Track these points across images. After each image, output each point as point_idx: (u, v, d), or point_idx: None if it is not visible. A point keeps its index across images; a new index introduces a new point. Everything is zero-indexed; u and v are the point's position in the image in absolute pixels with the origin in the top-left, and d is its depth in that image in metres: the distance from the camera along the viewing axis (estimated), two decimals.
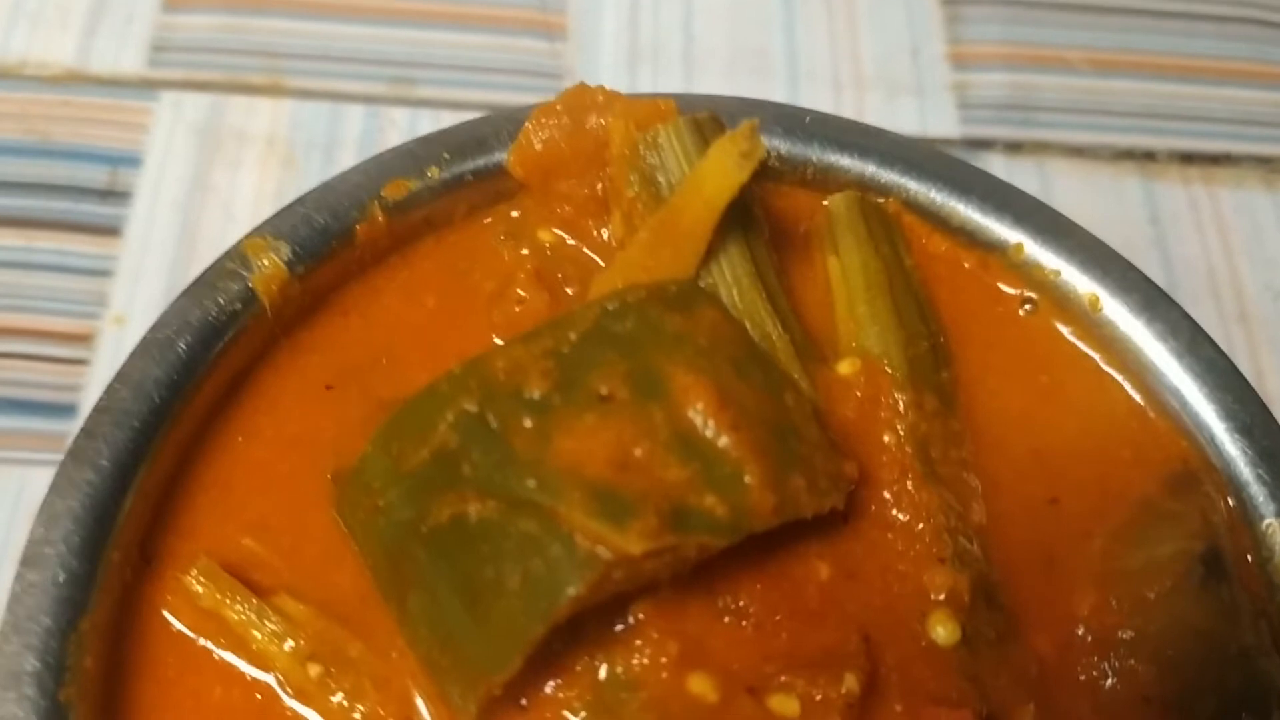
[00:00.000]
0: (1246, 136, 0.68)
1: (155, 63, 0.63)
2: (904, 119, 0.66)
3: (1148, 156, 0.67)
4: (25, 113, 0.61)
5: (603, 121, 0.42)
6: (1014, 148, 0.66)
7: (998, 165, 0.66)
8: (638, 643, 0.36)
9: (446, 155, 0.43)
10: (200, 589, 0.36)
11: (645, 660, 0.35)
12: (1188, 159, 0.67)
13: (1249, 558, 0.39)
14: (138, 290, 0.57)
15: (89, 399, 0.53)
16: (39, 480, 0.50)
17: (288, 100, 0.62)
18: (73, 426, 0.52)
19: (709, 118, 0.41)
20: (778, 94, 0.66)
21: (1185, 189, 0.66)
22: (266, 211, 0.42)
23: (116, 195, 0.59)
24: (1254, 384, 0.61)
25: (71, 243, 0.57)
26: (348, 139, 0.62)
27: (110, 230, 0.58)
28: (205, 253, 0.47)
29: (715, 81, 0.66)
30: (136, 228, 0.58)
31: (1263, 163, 0.67)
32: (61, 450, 0.45)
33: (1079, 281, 0.43)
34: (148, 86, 0.62)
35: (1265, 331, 0.62)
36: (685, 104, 0.43)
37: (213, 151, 0.60)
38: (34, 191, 0.59)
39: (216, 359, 0.39)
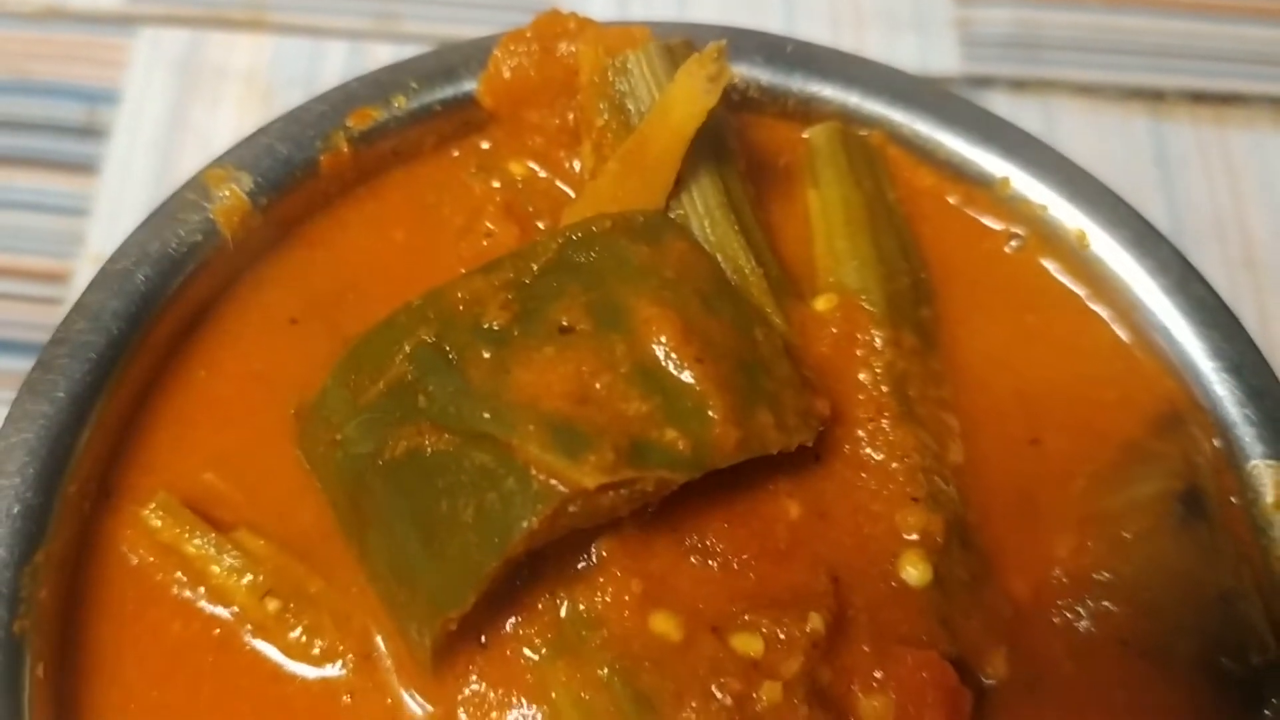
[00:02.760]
0: (1260, 76, 0.65)
1: None
2: (904, 56, 0.64)
3: (1157, 96, 0.64)
4: (2, 50, 0.60)
5: (573, 49, 0.41)
6: (1018, 86, 0.64)
7: (1001, 103, 0.64)
8: (600, 580, 0.35)
9: (414, 84, 0.42)
10: (159, 523, 0.36)
11: (608, 598, 0.35)
12: (1198, 99, 0.64)
13: (1234, 500, 0.38)
14: (115, 229, 0.56)
15: None
16: None
17: (268, 36, 0.61)
18: None
19: (682, 43, 0.40)
20: (773, 30, 0.64)
21: (1194, 130, 0.64)
22: None
23: (94, 133, 0.58)
24: (1259, 330, 0.59)
25: (49, 181, 0.57)
26: (329, 76, 0.60)
27: (88, 168, 0.57)
28: None
29: (708, 16, 0.64)
30: (114, 166, 0.57)
31: (1275, 103, 0.65)
32: None
33: (1067, 216, 0.42)
34: (126, 22, 0.61)
35: (1273, 276, 0.60)
36: (662, 32, 0.42)
37: (192, 88, 0.59)
38: (11, 129, 0.58)
39: (177, 291, 0.39)
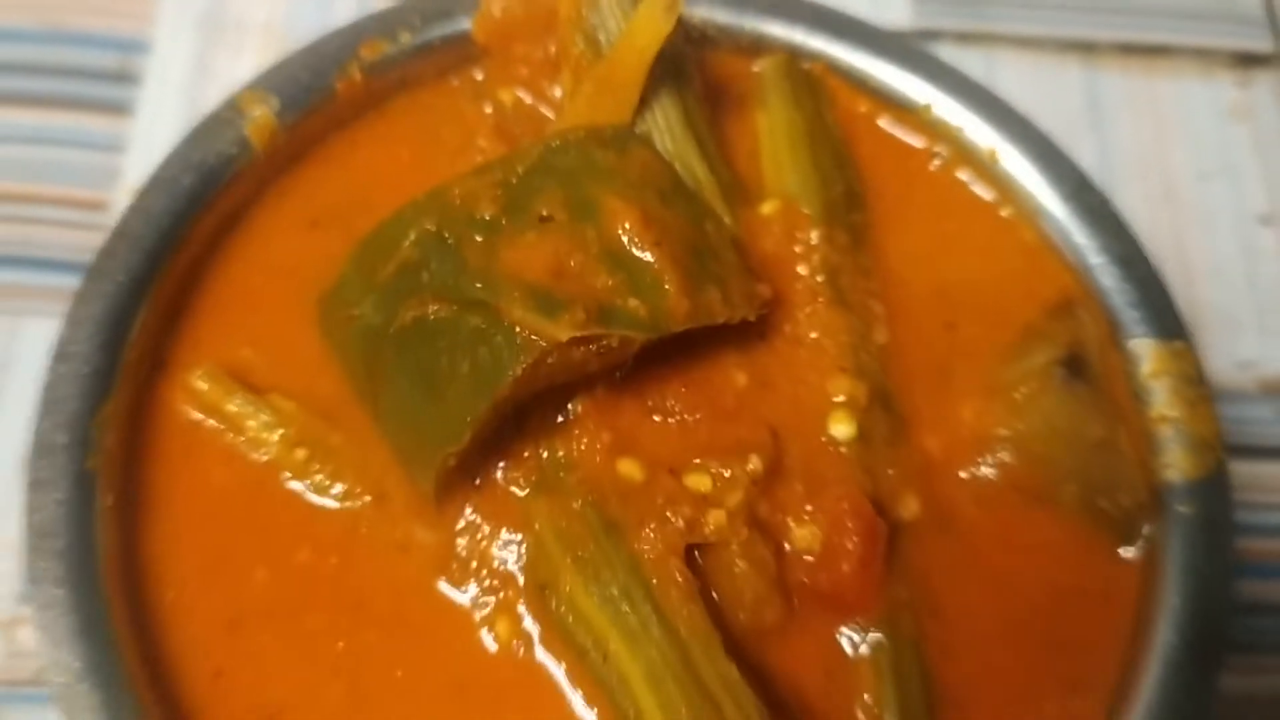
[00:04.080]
0: (1185, 30, 0.71)
1: None
2: (859, 11, 0.70)
3: (1090, 47, 0.71)
4: (39, 3, 0.66)
5: None
6: (963, 38, 0.70)
7: (947, 54, 0.69)
8: (576, 433, 0.42)
9: (417, 22, 0.49)
10: (204, 387, 0.43)
11: (582, 447, 0.42)
12: (1128, 50, 0.71)
13: (1117, 374, 0.45)
14: (150, 163, 0.62)
15: None
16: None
17: None
18: None
19: None
20: None
21: (1124, 78, 0.70)
22: None
23: (128, 79, 0.64)
24: (1175, 253, 0.66)
25: (88, 122, 0.63)
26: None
27: (123, 110, 0.63)
28: None
29: None
30: (147, 108, 0.63)
31: (1199, 54, 0.71)
32: None
33: (981, 136, 0.48)
34: None
35: (1191, 211, 0.67)
36: None
37: (215, 39, 0.65)
38: (51, 75, 0.64)
39: (216, 195, 0.45)
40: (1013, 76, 0.69)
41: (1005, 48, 0.70)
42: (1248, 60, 0.71)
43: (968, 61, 0.69)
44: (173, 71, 0.64)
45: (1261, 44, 0.72)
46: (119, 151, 0.62)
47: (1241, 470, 0.59)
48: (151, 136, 0.63)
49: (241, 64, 0.65)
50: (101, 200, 0.61)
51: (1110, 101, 0.69)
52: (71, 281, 0.61)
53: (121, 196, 0.61)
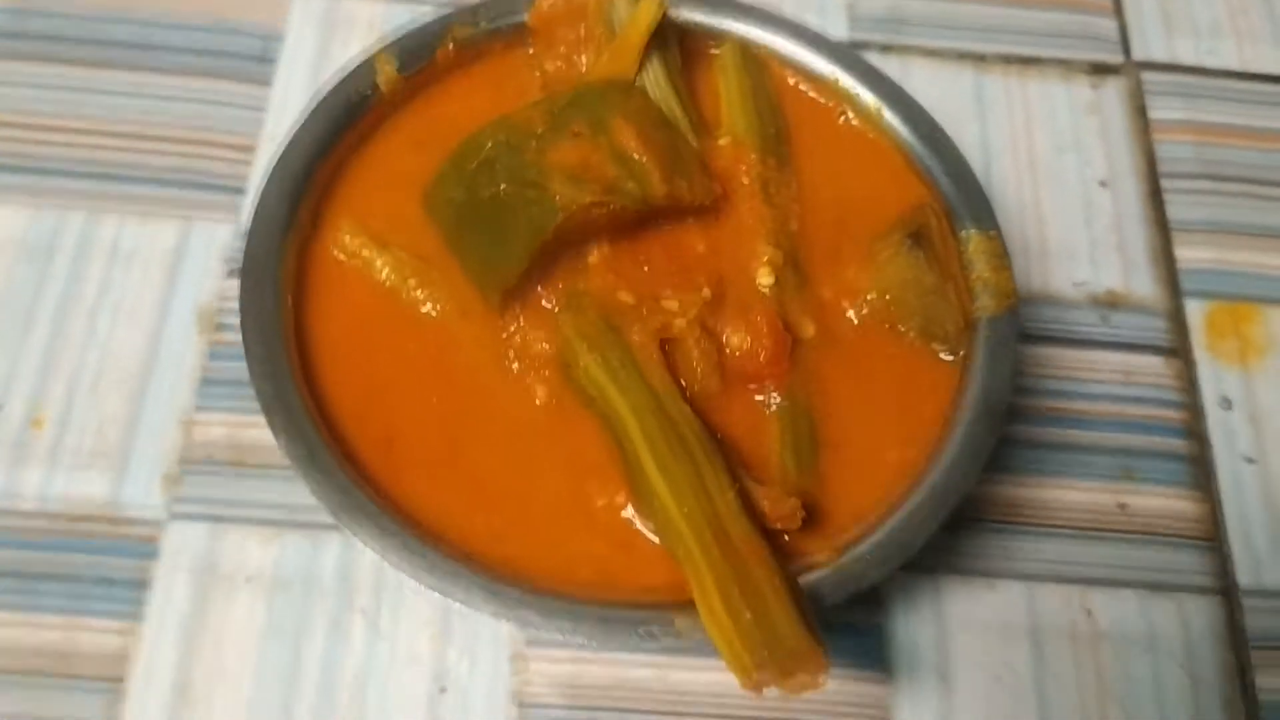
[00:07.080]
0: (1050, 45, 0.94)
1: None
2: (808, 25, 0.94)
3: (980, 58, 0.94)
4: (204, 3, 0.89)
5: None
6: (886, 49, 0.93)
7: (873, 60, 0.93)
8: (590, 273, 0.64)
9: (491, 13, 0.71)
10: (349, 238, 0.65)
11: (595, 281, 0.64)
12: (1008, 60, 0.94)
13: (952, 251, 0.67)
14: (283, 119, 0.85)
15: (253, 183, 0.81)
16: (223, 232, 0.79)
17: (380, 3, 0.91)
18: (243, 200, 0.81)
19: None
20: None
21: (1004, 80, 0.93)
22: None
23: (267, 59, 0.87)
24: (1035, 207, 0.89)
25: (237, 88, 0.86)
26: None
27: (264, 80, 0.86)
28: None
29: None
30: (281, 80, 0.86)
31: (1062, 63, 0.94)
32: (236, 212, 0.75)
33: (869, 98, 0.71)
34: None
35: (1048, 175, 0.89)
36: None
37: (331, 34, 0.88)
38: (214, 55, 0.87)
39: (354, 122, 0.68)
40: (922, 78, 0.92)
41: (916, 56, 0.93)
42: (1101, 69, 0.94)
43: (888, 65, 0.93)
44: (300, 54, 0.87)
45: (1114, 57, 0.96)
46: (260, 110, 0.85)
47: (1068, 354, 0.81)
48: (285, 100, 0.85)
49: (350, 49, 0.88)
50: (248, 144, 0.83)
51: (993, 97, 0.92)
52: (227, 198, 0.84)
53: (263, 141, 0.84)
